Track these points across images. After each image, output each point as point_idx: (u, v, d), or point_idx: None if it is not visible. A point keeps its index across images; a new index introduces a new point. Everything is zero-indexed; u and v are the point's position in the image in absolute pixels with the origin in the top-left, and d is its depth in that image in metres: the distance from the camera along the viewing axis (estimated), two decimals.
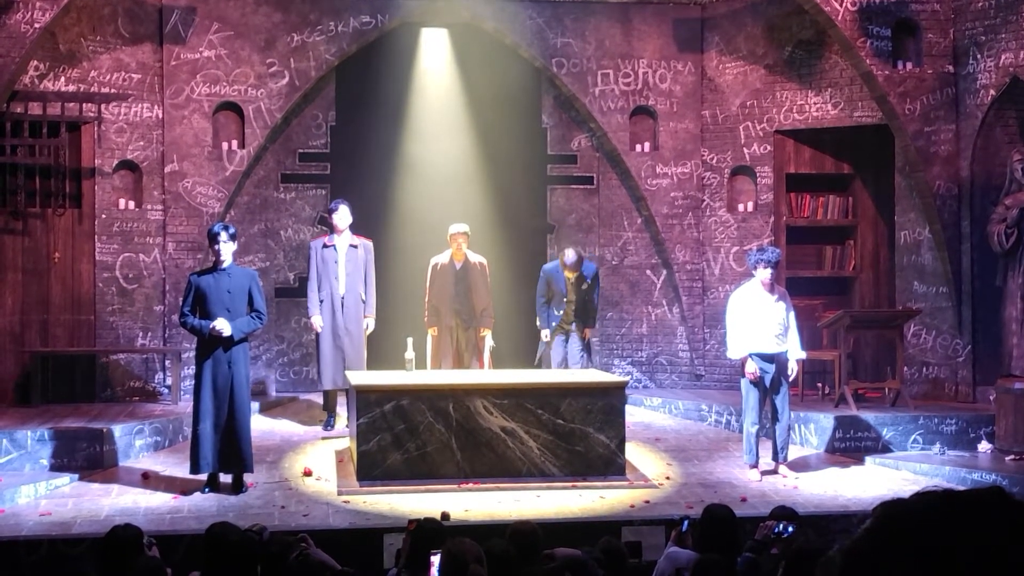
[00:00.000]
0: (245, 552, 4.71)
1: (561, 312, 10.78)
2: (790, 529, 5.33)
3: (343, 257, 10.34)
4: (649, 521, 7.54)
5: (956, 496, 1.32)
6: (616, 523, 7.53)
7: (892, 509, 1.32)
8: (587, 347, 11.04)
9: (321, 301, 10.32)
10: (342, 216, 10.35)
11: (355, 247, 10.41)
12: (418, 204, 12.11)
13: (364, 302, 10.40)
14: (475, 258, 10.92)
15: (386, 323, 10.95)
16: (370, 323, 10.44)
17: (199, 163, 11.61)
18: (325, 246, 10.40)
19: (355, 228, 10.48)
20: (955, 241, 11.13)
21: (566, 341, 10.84)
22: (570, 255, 10.62)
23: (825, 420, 10.05)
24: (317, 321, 10.33)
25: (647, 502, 8.27)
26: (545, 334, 10.86)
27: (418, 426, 8.58)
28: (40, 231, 11.22)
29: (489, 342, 10.82)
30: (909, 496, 1.34)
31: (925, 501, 1.31)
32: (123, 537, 4.93)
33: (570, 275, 10.66)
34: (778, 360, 9.05)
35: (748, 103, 12.22)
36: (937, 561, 1.25)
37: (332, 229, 10.47)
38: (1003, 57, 10.70)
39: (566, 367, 10.71)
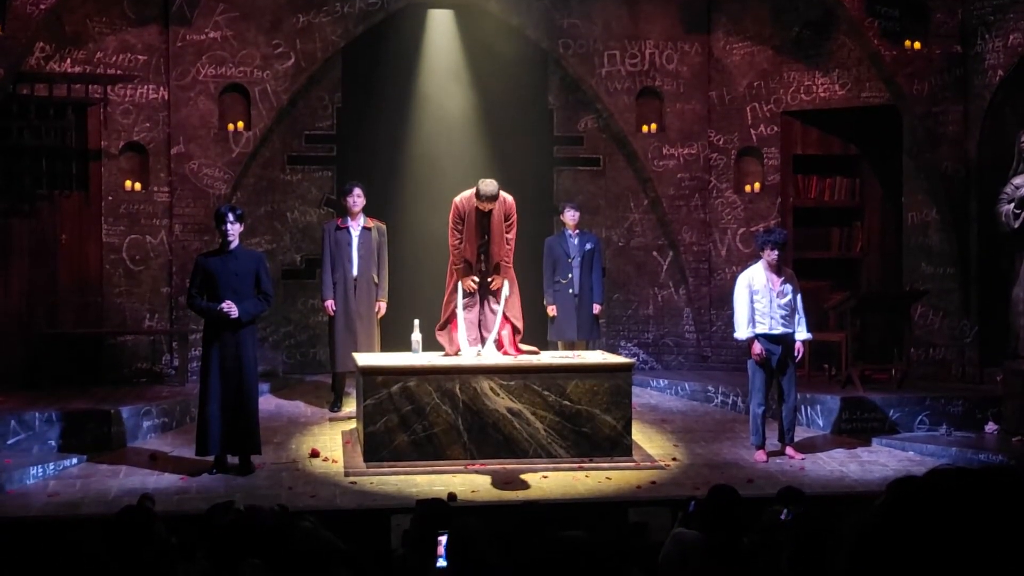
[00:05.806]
0: (243, 532, 4.72)
1: (567, 278, 10.79)
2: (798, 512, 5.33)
3: (356, 240, 10.30)
4: (656, 502, 7.55)
5: (969, 474, 1.32)
6: (623, 504, 7.55)
7: (906, 487, 1.32)
8: (595, 323, 11.06)
9: (334, 284, 10.31)
10: (356, 198, 10.31)
11: (369, 230, 10.36)
12: (424, 185, 12.10)
13: (377, 285, 10.38)
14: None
15: (394, 305, 10.94)
16: (382, 307, 10.42)
17: (205, 145, 11.60)
18: (338, 228, 10.36)
19: (364, 210, 10.46)
20: (963, 222, 11.10)
21: (576, 315, 10.85)
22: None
23: (832, 401, 10.05)
24: (331, 304, 10.31)
25: (653, 483, 8.28)
26: (552, 309, 10.88)
27: (425, 407, 8.59)
28: (47, 213, 11.22)
29: (505, 291, 9.33)
30: (922, 474, 1.34)
31: (938, 479, 1.32)
32: (133, 517, 4.94)
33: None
34: (785, 341, 9.05)
35: (755, 84, 12.18)
36: (950, 538, 1.25)
37: (346, 211, 10.42)
38: (1011, 37, 10.65)
39: (576, 339, 10.74)
